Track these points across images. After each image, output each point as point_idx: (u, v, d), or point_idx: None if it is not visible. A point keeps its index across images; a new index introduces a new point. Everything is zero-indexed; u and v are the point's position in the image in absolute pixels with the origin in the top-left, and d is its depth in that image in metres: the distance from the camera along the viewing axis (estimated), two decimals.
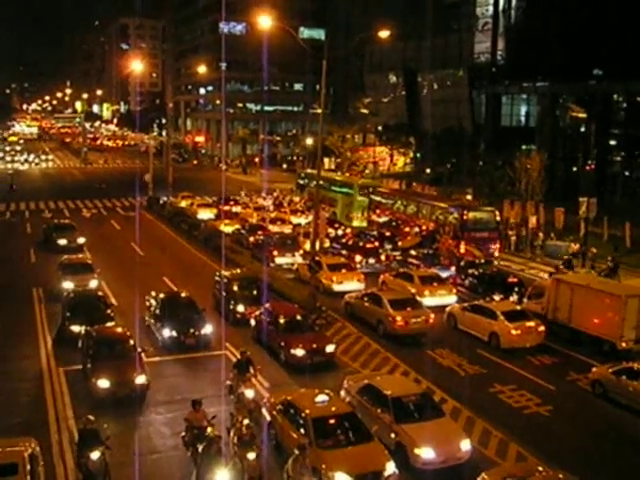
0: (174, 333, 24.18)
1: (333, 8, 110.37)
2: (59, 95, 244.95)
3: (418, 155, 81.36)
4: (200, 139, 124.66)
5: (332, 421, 16.79)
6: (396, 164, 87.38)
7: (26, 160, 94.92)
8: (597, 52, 57.67)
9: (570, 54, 58.87)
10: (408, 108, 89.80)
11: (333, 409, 17.19)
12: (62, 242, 40.28)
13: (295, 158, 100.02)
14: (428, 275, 32.49)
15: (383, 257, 38.51)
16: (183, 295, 27.11)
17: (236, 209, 54.05)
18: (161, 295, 26.52)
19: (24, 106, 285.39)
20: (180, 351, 24.04)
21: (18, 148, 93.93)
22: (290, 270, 36.50)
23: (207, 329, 24.71)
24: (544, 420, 20.09)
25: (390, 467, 15.54)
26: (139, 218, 52.67)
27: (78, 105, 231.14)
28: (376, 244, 39.87)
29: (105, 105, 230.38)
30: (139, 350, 21.36)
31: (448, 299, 30.65)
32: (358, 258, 37.22)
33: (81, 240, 41.10)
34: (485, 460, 17.09)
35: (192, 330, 24.38)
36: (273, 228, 45.18)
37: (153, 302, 26.42)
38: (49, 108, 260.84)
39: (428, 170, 75.31)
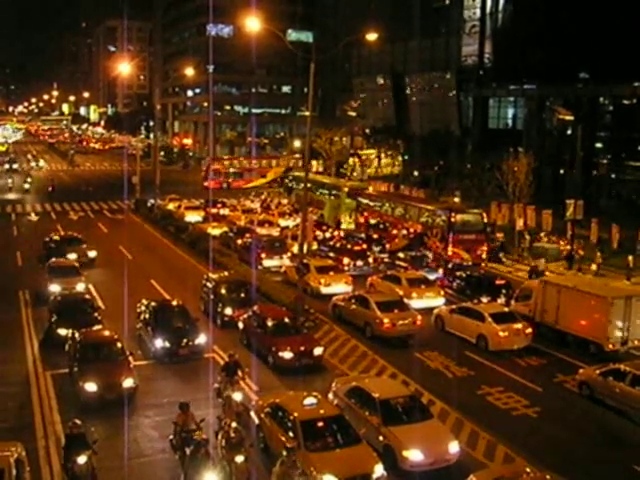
0: (167, 344, 23.48)
1: (321, 11, 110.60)
2: (46, 97, 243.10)
3: (406, 158, 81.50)
4: (188, 141, 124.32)
5: (320, 424, 16.76)
6: (381, 168, 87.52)
7: (12, 163, 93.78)
8: (584, 55, 58.00)
9: (557, 57, 59.23)
10: (396, 111, 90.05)
11: (321, 412, 17.15)
12: (71, 257, 35.36)
13: None
14: (416, 277, 32.55)
15: (371, 259, 38.54)
16: (175, 303, 26.31)
17: (224, 212, 53.97)
18: (153, 303, 25.71)
19: (10, 108, 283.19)
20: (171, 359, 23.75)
21: (6, 159, 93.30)
22: (278, 273, 36.46)
23: (201, 339, 24.04)
24: (532, 422, 20.15)
25: (378, 469, 15.55)
26: (126, 221, 52.61)
27: (65, 107, 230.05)
28: (364, 246, 39.91)
29: (92, 107, 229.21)
30: (127, 353, 21.27)
31: (436, 301, 30.67)
32: (346, 260, 37.25)
33: (92, 254, 37.58)
34: (473, 462, 17.13)
35: (185, 341, 23.75)
36: (261, 231, 45.09)
37: (145, 310, 25.60)
38: (35, 110, 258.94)
39: (416, 173, 75.49)
